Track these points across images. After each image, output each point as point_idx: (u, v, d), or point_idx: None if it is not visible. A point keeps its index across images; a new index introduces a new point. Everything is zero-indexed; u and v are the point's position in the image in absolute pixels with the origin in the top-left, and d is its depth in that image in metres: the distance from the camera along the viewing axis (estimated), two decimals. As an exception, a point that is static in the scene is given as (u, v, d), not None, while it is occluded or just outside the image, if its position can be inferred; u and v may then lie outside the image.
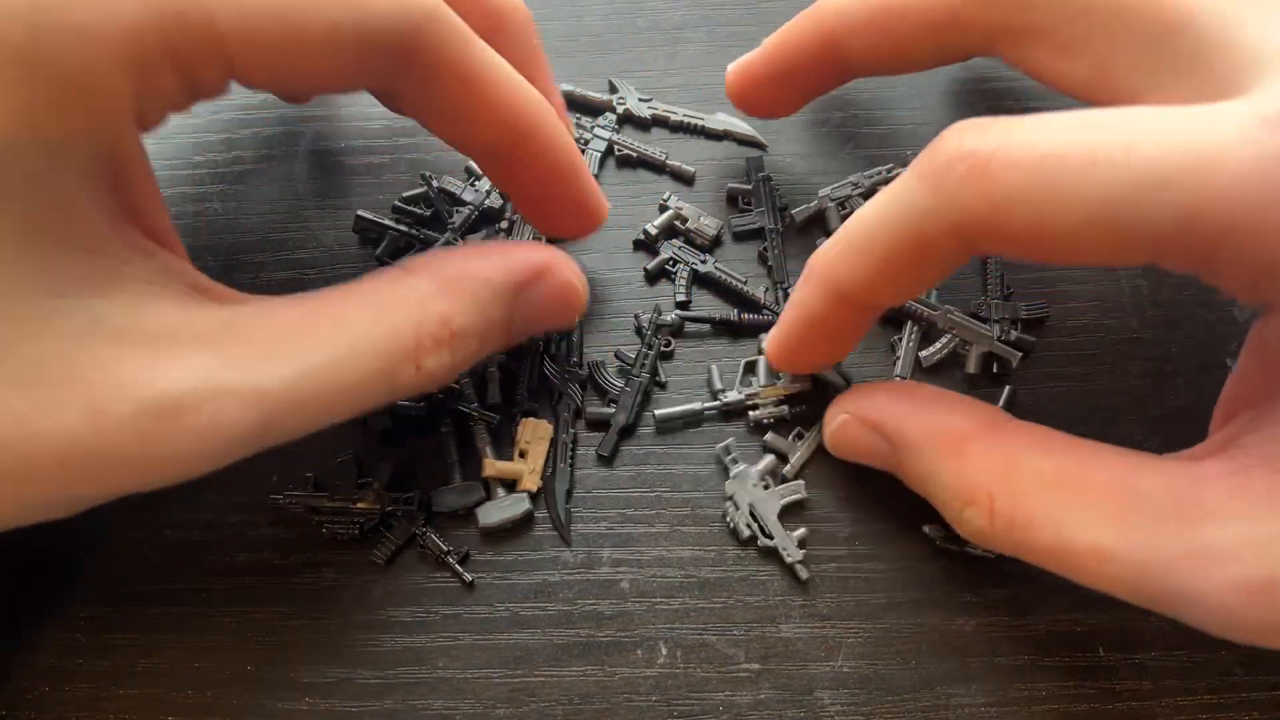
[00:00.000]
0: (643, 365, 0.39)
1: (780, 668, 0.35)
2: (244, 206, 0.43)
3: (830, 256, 0.31)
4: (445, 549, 0.36)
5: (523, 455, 0.38)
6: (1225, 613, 0.26)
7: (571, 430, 0.38)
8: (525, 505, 0.37)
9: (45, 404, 0.24)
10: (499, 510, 0.37)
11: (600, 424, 0.39)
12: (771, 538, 0.36)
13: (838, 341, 0.35)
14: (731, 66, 0.40)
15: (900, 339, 0.40)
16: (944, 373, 0.39)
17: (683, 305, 0.41)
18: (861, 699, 0.35)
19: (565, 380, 0.39)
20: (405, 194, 0.43)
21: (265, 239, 0.42)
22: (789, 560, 0.36)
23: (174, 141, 0.44)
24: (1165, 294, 0.41)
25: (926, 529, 0.37)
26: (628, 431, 0.39)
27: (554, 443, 0.38)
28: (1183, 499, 0.27)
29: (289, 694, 0.35)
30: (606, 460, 0.38)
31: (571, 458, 0.38)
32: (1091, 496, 0.28)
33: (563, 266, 0.34)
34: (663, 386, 0.39)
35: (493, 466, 0.37)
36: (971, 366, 0.39)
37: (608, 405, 0.39)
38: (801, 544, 0.36)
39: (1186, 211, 0.24)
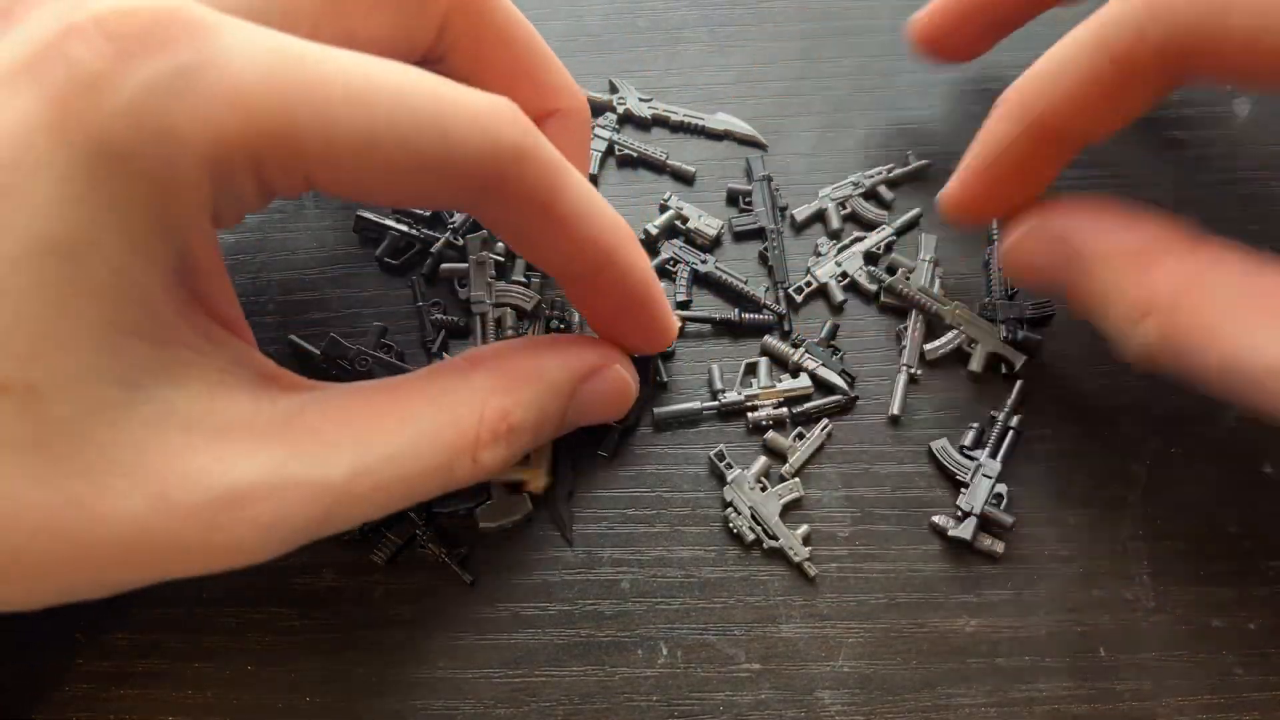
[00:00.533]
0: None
1: (781, 668, 0.35)
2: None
3: (1027, 80, 0.31)
4: (445, 550, 0.36)
5: (527, 459, 0.38)
6: None
7: (572, 432, 0.38)
8: (526, 506, 0.37)
9: (114, 491, 0.24)
10: (500, 512, 0.37)
11: (602, 425, 0.39)
12: (776, 539, 0.36)
13: (1028, 181, 0.33)
14: (918, 14, 0.39)
15: (905, 328, 0.40)
16: (948, 368, 0.39)
17: (683, 305, 0.41)
18: (862, 699, 0.35)
19: None
20: None
21: (266, 238, 0.42)
22: (796, 559, 0.36)
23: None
24: (1166, 294, 0.41)
25: (936, 519, 0.37)
26: (629, 431, 0.39)
27: (555, 447, 0.38)
28: None
29: (289, 694, 0.35)
30: (608, 459, 0.38)
31: (573, 457, 0.38)
32: (1275, 314, 0.26)
33: (618, 365, 0.34)
34: (664, 386, 0.39)
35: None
36: (975, 365, 0.39)
37: None
38: (806, 541, 0.36)
39: None
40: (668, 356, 0.40)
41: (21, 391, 0.23)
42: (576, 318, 0.40)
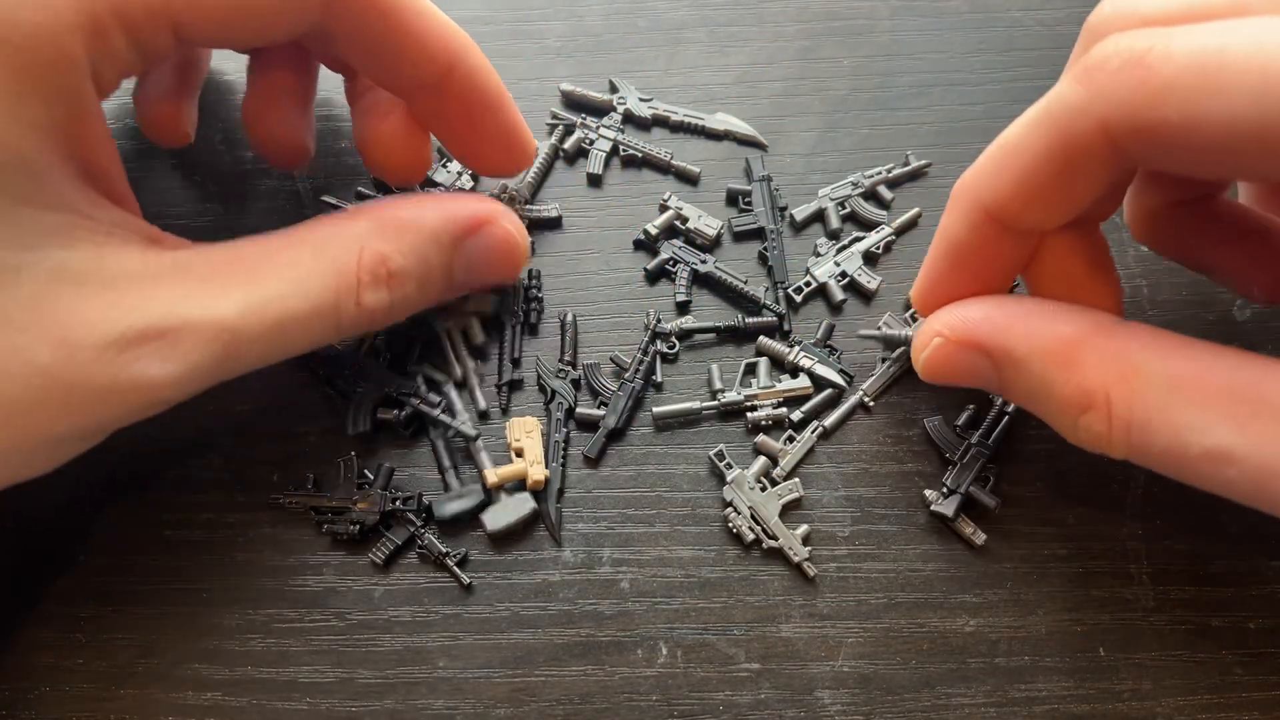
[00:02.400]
0: (637, 371, 0.39)
1: (780, 667, 0.35)
2: (246, 206, 0.43)
3: (974, 172, 0.31)
4: (444, 551, 0.36)
5: (519, 454, 0.38)
6: None
7: (564, 429, 0.38)
8: (530, 505, 0.37)
9: (17, 345, 0.26)
10: (505, 513, 0.37)
11: (591, 425, 0.39)
12: (776, 539, 0.36)
13: (990, 273, 0.32)
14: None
15: (886, 359, 0.40)
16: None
17: (683, 305, 0.41)
18: (862, 699, 0.35)
19: (558, 378, 0.39)
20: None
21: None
22: (796, 559, 0.36)
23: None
24: (1165, 294, 0.41)
25: (927, 493, 0.37)
26: (616, 435, 0.39)
27: (546, 443, 0.38)
28: None
29: (289, 694, 0.35)
30: (593, 462, 0.38)
31: (564, 457, 0.38)
32: (1210, 398, 0.26)
33: (503, 218, 0.35)
34: (658, 388, 0.39)
35: (495, 474, 0.37)
36: None
37: (599, 407, 0.39)
38: (805, 541, 0.36)
39: None
40: (670, 360, 0.40)
41: None
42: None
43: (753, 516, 0.37)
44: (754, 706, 0.35)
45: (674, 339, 0.40)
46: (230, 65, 0.45)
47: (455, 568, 0.36)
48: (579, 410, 0.39)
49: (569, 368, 0.40)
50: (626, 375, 0.39)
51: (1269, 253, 0.33)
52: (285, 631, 0.36)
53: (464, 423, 0.38)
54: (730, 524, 0.37)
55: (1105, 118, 0.26)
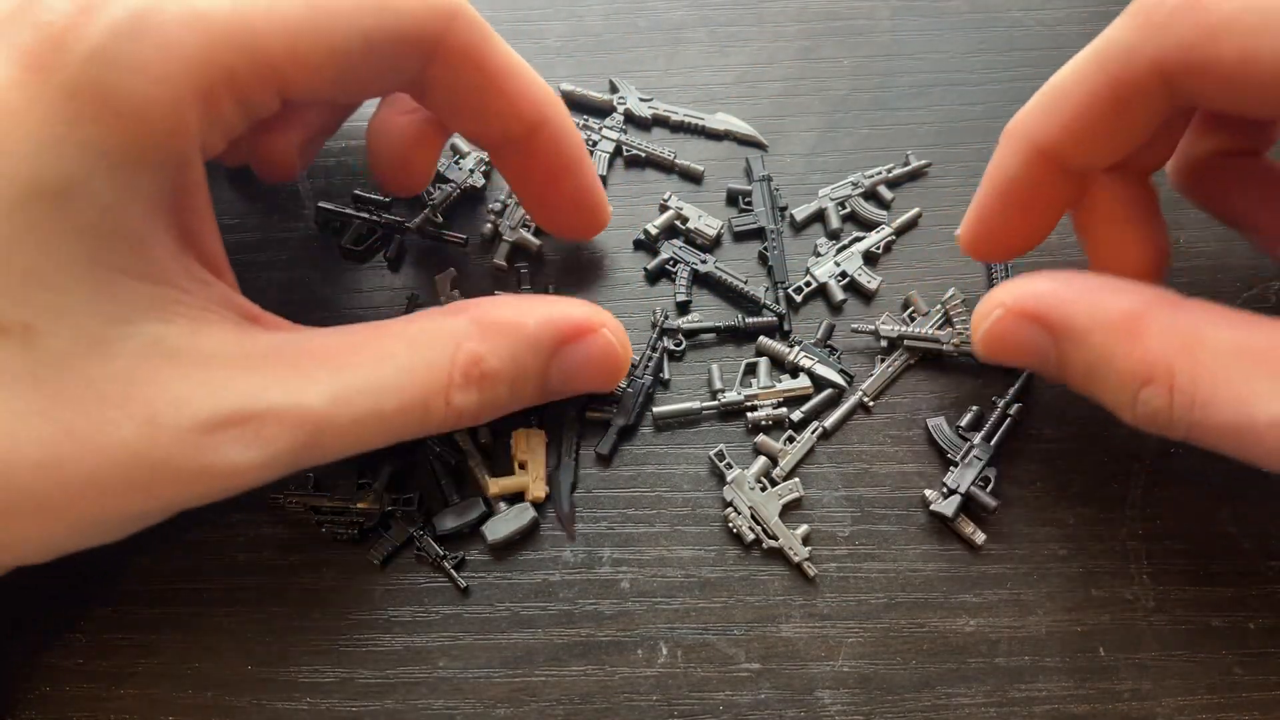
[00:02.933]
0: (645, 367, 0.39)
1: (780, 667, 0.35)
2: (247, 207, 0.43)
3: (1027, 109, 0.30)
4: (441, 553, 0.36)
5: (523, 467, 0.38)
6: None
7: (576, 425, 0.38)
8: (530, 514, 0.37)
9: (107, 420, 0.26)
10: (505, 524, 0.37)
11: (602, 423, 0.39)
12: (776, 539, 0.36)
13: (1038, 214, 0.32)
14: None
15: (883, 359, 0.40)
16: (953, 360, 0.40)
17: (683, 305, 0.41)
18: (862, 699, 0.35)
19: None
20: None
21: (267, 238, 0.42)
22: (796, 559, 0.36)
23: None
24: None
25: (927, 493, 0.37)
26: (628, 432, 0.39)
27: (558, 437, 0.38)
28: None
29: (289, 694, 0.35)
30: (605, 459, 0.38)
31: (576, 451, 0.38)
32: (1277, 366, 0.26)
33: (606, 329, 0.34)
34: (665, 385, 0.39)
35: (497, 485, 0.37)
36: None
37: (609, 405, 0.39)
38: (806, 541, 0.36)
39: None
40: (676, 357, 0.40)
41: (19, 331, 0.25)
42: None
43: (753, 516, 0.37)
44: (754, 706, 0.35)
45: (680, 336, 0.40)
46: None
47: (452, 570, 0.36)
48: (590, 409, 0.39)
49: None
50: (635, 372, 0.39)
51: None
52: (285, 631, 0.36)
53: (445, 449, 0.38)
54: (730, 524, 0.37)
55: (1160, 57, 0.26)
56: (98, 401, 0.26)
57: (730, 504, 0.37)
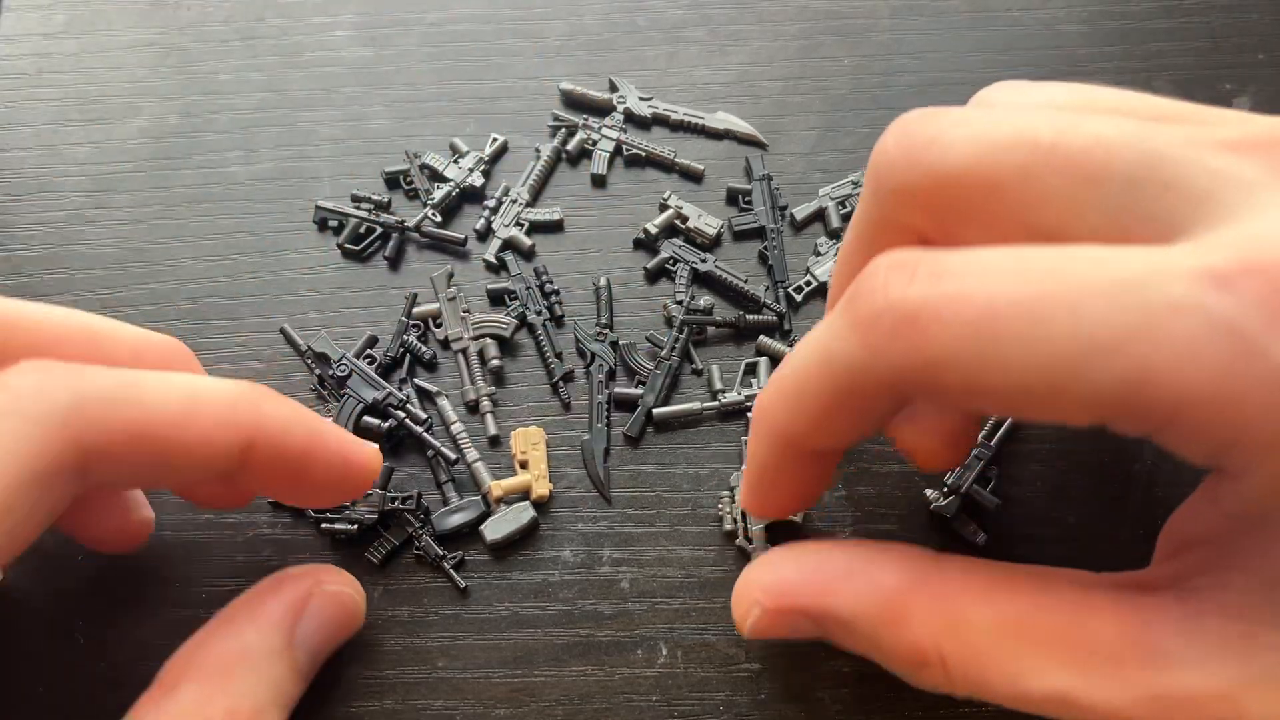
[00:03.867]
0: (673, 349, 0.39)
1: (781, 668, 0.35)
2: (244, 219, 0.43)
3: (769, 401, 0.30)
4: (440, 553, 0.36)
5: (524, 466, 0.38)
6: None
7: (605, 391, 0.39)
8: (530, 514, 0.37)
9: None
10: (504, 524, 0.36)
11: (629, 404, 0.39)
12: (751, 541, 0.36)
13: (804, 486, 0.32)
14: (739, 499, 0.36)
15: None
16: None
17: (681, 305, 0.41)
18: (862, 699, 0.35)
19: (596, 341, 0.40)
20: (387, 169, 0.43)
21: (266, 252, 0.42)
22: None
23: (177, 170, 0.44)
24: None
25: (928, 493, 0.37)
26: (658, 410, 0.39)
27: (589, 404, 0.39)
28: (1138, 643, 0.25)
29: (288, 694, 0.35)
30: (634, 440, 0.38)
31: (607, 417, 0.38)
32: (1043, 643, 0.26)
33: (325, 582, 0.33)
34: (699, 373, 0.40)
35: (500, 487, 0.37)
36: None
37: (636, 386, 0.39)
38: None
39: (1136, 379, 0.22)
40: (702, 343, 0.40)
41: None
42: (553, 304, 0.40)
43: (743, 514, 0.37)
44: (754, 707, 0.34)
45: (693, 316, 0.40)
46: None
47: (452, 571, 0.36)
48: (617, 390, 0.39)
49: (607, 330, 0.40)
50: (663, 354, 0.39)
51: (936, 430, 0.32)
52: (284, 631, 0.36)
53: (445, 444, 0.38)
54: (719, 506, 0.37)
55: (887, 378, 0.25)
56: None
57: (732, 489, 0.37)
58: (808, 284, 0.41)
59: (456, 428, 0.38)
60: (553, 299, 0.41)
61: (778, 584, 0.29)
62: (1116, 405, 0.22)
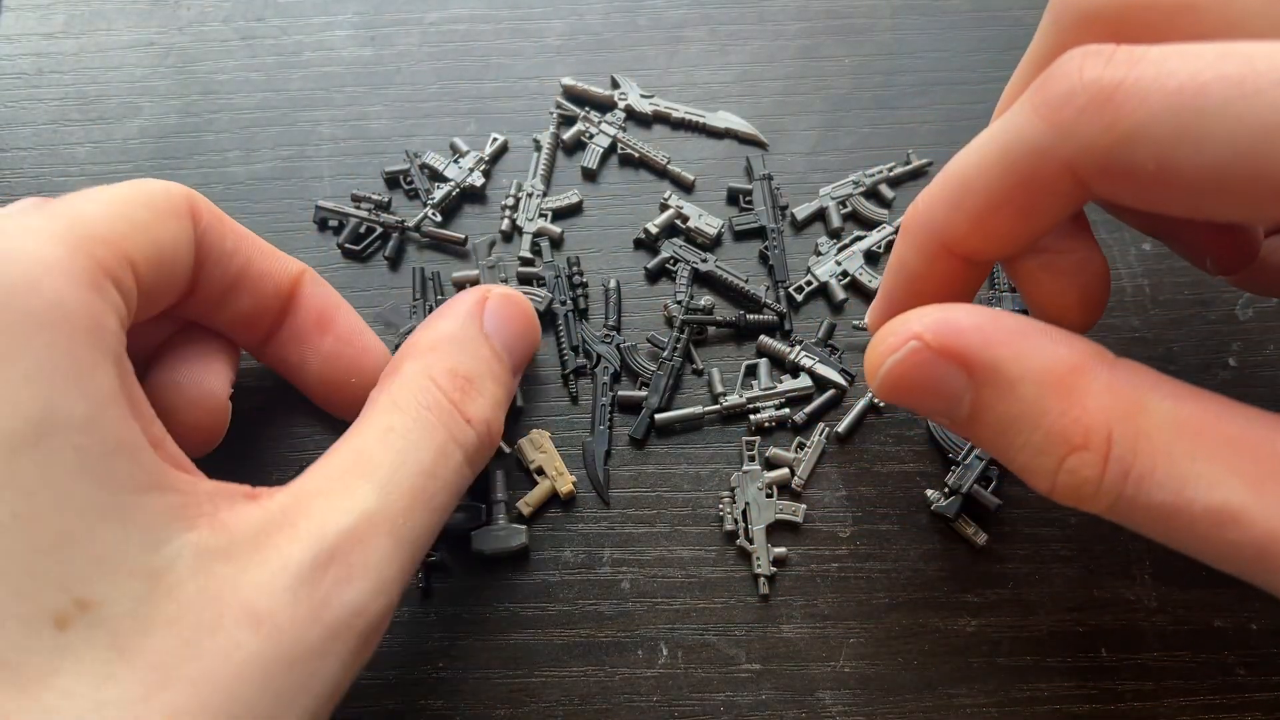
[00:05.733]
0: (674, 349, 0.39)
1: (781, 668, 0.35)
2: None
3: (927, 203, 0.28)
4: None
5: (540, 472, 0.38)
6: None
7: (610, 393, 0.39)
8: (521, 539, 0.36)
9: (220, 650, 0.24)
10: (495, 539, 0.36)
11: (633, 407, 0.39)
12: (752, 541, 0.36)
13: (949, 299, 0.29)
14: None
15: None
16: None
17: (681, 305, 0.41)
18: (863, 699, 0.34)
19: (603, 343, 0.40)
20: (388, 169, 0.43)
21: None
22: (757, 571, 0.36)
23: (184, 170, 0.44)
24: (1166, 294, 0.40)
25: (929, 493, 0.37)
26: (660, 414, 0.39)
27: (592, 405, 0.39)
28: None
29: (288, 694, 0.35)
30: (639, 443, 0.38)
31: (610, 419, 0.38)
32: (1222, 449, 0.23)
33: (495, 288, 0.34)
34: (699, 373, 0.40)
35: (528, 505, 0.37)
36: None
37: (640, 388, 0.39)
38: (779, 562, 0.36)
39: None
40: (702, 343, 0.40)
41: (77, 613, 0.23)
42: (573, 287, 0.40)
43: (744, 513, 0.37)
44: (755, 707, 0.34)
45: (695, 315, 0.40)
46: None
47: (420, 571, 0.36)
48: (621, 393, 0.39)
49: (614, 332, 0.40)
50: (664, 355, 0.39)
51: (1219, 232, 0.31)
52: (284, 632, 0.36)
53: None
54: (720, 506, 0.37)
55: (1071, 160, 0.24)
56: (195, 640, 0.23)
57: (733, 490, 0.37)
58: (808, 284, 0.41)
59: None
60: (579, 291, 0.41)
61: (946, 321, 0.26)
62: None
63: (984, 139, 0.26)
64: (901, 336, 0.26)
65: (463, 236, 0.42)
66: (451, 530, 0.37)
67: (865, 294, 0.41)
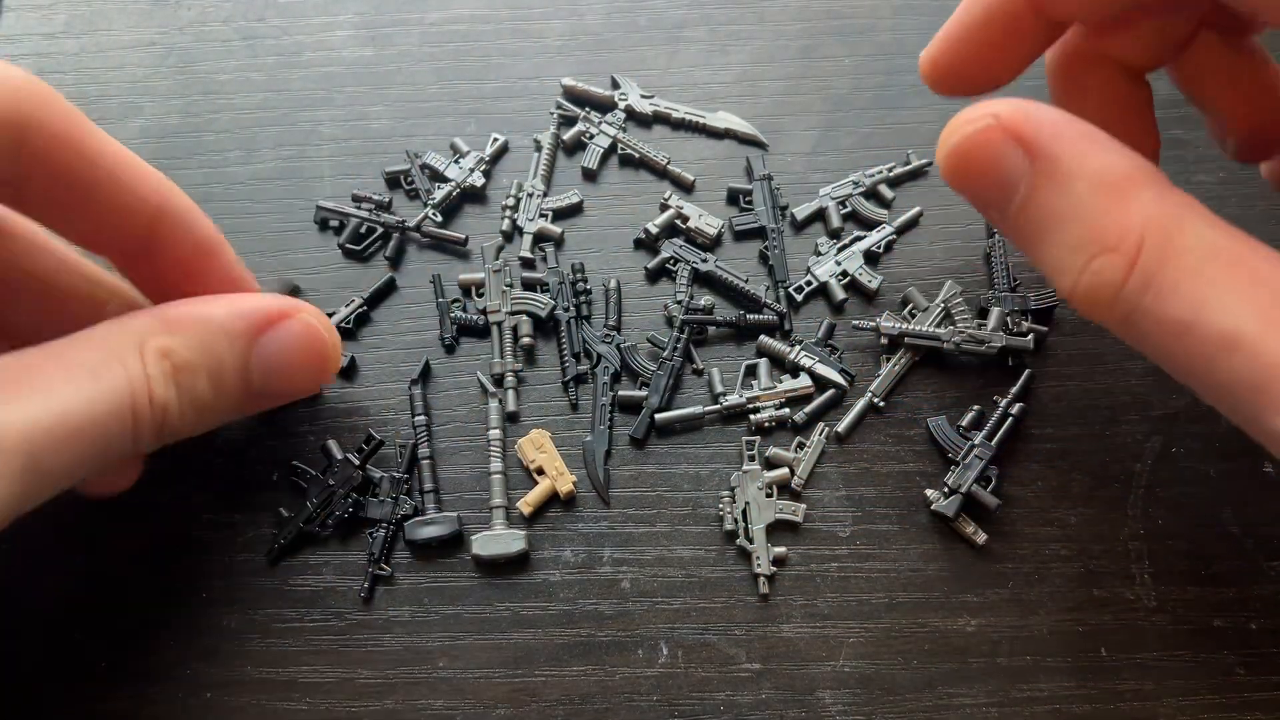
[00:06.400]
0: (674, 349, 0.39)
1: (781, 668, 0.35)
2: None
3: None
4: (378, 554, 0.36)
5: (541, 471, 0.38)
6: None
7: (610, 393, 0.39)
8: (520, 545, 0.36)
9: None
10: (496, 545, 0.36)
11: (633, 407, 0.39)
12: (752, 541, 0.36)
13: (1009, 53, 0.31)
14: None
15: (889, 359, 0.39)
16: (954, 360, 0.39)
17: (682, 305, 0.41)
18: (863, 699, 0.34)
19: (604, 343, 0.40)
20: (388, 169, 0.43)
21: (267, 252, 0.42)
22: (757, 570, 0.36)
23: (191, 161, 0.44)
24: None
25: (928, 492, 0.37)
26: (660, 414, 0.39)
27: (592, 405, 0.39)
28: None
29: (288, 694, 0.35)
30: (639, 442, 0.38)
31: (610, 419, 0.38)
32: (1248, 283, 0.24)
33: (306, 313, 0.33)
34: (699, 373, 0.40)
35: (528, 505, 0.37)
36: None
37: (640, 388, 0.39)
38: (779, 562, 0.36)
39: None
40: (701, 343, 0.40)
41: None
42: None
43: (743, 512, 0.37)
44: (755, 707, 0.34)
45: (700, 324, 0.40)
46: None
47: (373, 573, 0.36)
48: (621, 393, 0.39)
49: (614, 332, 0.40)
50: (665, 355, 0.39)
51: (1255, 107, 0.32)
52: (284, 631, 0.36)
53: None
54: (720, 506, 0.37)
55: None
56: None
57: (733, 490, 0.37)
58: (808, 284, 0.41)
59: (494, 434, 0.38)
60: (582, 298, 0.41)
61: (1022, 110, 0.27)
62: None
63: None
64: (978, 112, 0.27)
65: (463, 236, 0.42)
66: (433, 543, 0.37)
67: (865, 294, 0.41)
